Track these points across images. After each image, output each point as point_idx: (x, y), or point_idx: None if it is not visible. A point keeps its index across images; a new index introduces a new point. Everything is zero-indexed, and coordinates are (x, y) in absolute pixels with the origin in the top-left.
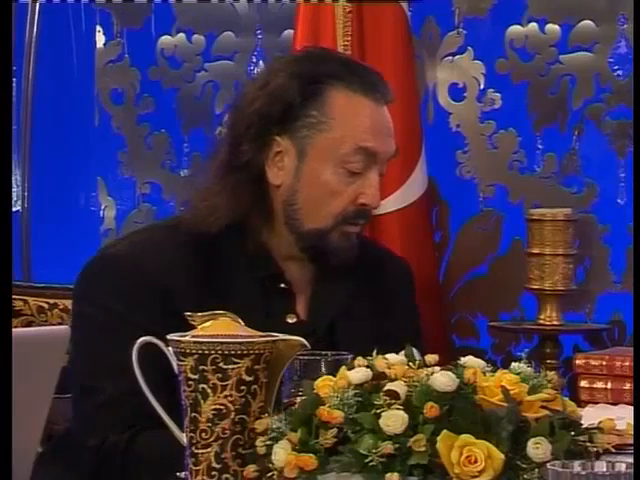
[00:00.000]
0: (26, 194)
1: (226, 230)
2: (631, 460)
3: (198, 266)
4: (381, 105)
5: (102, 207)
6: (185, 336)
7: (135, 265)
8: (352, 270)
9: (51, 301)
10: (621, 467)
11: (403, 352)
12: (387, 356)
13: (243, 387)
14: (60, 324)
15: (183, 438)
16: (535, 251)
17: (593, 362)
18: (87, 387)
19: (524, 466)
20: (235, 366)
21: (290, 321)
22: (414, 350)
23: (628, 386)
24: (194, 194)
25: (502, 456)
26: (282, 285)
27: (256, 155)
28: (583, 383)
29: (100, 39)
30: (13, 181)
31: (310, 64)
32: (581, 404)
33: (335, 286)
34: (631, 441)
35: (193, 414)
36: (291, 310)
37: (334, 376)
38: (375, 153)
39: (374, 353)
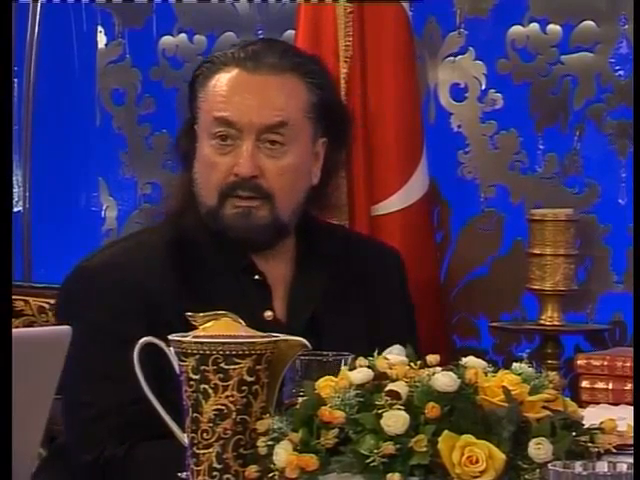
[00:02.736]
0: (27, 194)
1: (201, 228)
2: (632, 460)
3: (175, 268)
4: (255, 74)
5: (103, 207)
6: (186, 336)
7: (111, 275)
8: (333, 262)
9: (52, 301)
10: (622, 467)
11: (393, 348)
12: (388, 356)
13: (244, 387)
14: (61, 324)
15: (184, 438)
16: (536, 251)
17: (594, 362)
18: (75, 402)
19: (525, 466)
20: (236, 366)
21: (267, 317)
22: (400, 347)
23: (629, 386)
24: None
25: (503, 456)
26: (256, 277)
27: (191, 148)
28: (584, 383)
29: (101, 39)
30: (14, 181)
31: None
32: (582, 404)
33: (314, 280)
34: (632, 441)
35: (194, 414)
36: (268, 306)
37: (335, 376)
38: (233, 122)
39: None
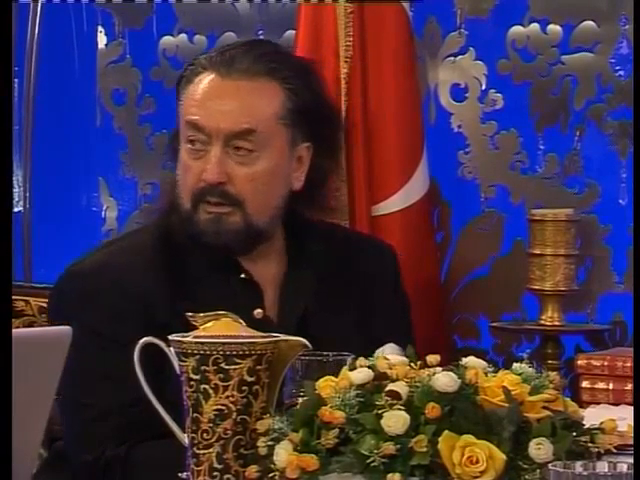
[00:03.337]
0: (27, 194)
1: (185, 230)
2: (632, 460)
3: (167, 269)
4: (227, 79)
5: (103, 208)
6: (187, 337)
7: (109, 275)
8: (325, 261)
9: None
10: (622, 468)
11: (387, 346)
12: (388, 356)
13: (245, 387)
14: (59, 325)
15: (184, 439)
16: (537, 251)
17: (595, 362)
18: (75, 403)
19: (525, 467)
20: (237, 366)
21: (257, 315)
22: (393, 345)
23: (629, 387)
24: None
25: (504, 456)
26: (242, 275)
27: (178, 149)
28: (585, 384)
29: (102, 39)
30: (14, 181)
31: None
32: (583, 405)
33: (305, 278)
34: (632, 442)
35: (195, 414)
36: (257, 304)
37: (335, 376)
38: (202, 127)
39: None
